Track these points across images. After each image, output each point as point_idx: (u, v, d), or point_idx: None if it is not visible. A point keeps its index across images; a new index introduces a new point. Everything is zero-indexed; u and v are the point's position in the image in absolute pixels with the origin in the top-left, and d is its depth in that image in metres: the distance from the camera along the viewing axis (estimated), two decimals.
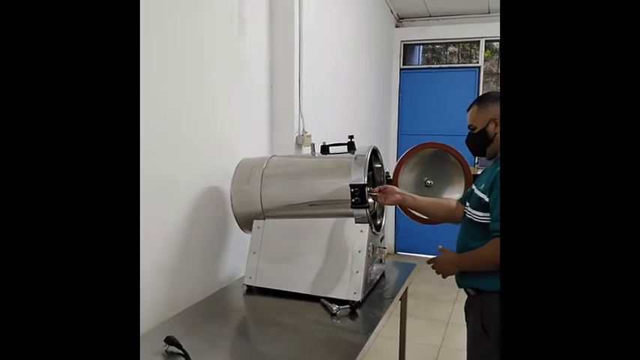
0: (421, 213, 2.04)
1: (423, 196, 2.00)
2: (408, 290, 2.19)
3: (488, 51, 5.15)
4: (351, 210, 1.73)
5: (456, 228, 1.84)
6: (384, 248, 2.05)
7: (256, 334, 1.61)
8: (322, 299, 1.69)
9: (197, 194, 1.88)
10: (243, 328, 1.68)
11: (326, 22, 3.01)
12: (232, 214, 1.94)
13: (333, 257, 1.76)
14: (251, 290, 1.85)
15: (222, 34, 2.04)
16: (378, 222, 1.95)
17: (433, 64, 5.39)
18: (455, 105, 4.93)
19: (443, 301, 3.87)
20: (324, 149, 1.94)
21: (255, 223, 1.89)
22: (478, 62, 5.12)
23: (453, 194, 2.24)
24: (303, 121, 2.53)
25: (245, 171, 1.92)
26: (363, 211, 1.73)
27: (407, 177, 2.35)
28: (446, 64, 5.34)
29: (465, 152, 2.02)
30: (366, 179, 1.70)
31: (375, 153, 1.93)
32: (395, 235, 5.41)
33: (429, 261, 1.83)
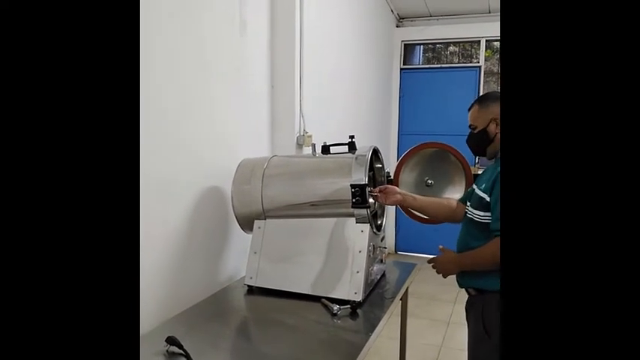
0: (422, 213, 2.04)
1: (423, 196, 2.00)
2: (409, 290, 2.19)
3: (488, 51, 5.15)
4: (351, 210, 1.73)
5: (457, 228, 1.84)
6: (385, 248, 2.05)
7: (257, 334, 1.61)
8: (323, 299, 1.69)
9: (198, 194, 1.88)
10: (244, 328, 1.68)
11: (326, 22, 3.01)
12: (233, 214, 1.94)
13: (334, 257, 1.76)
14: (252, 290, 1.85)
15: (224, 34, 2.04)
16: (379, 222, 1.95)
17: (434, 63, 5.39)
18: (455, 105, 4.94)
19: (443, 301, 3.87)
20: (325, 149, 1.94)
21: (256, 223, 1.90)
22: (479, 62, 5.12)
23: (454, 194, 2.24)
24: (303, 121, 2.53)
25: (246, 171, 1.92)
26: (363, 211, 1.73)
27: (407, 177, 2.34)
28: (446, 63, 5.34)
29: (465, 152, 2.02)
30: (366, 179, 1.71)
31: (375, 153, 1.93)
32: (395, 235, 5.41)
33: (430, 261, 1.83)
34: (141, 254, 1.22)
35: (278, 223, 1.87)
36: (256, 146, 2.34)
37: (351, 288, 1.69)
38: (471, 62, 5.21)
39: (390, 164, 3.08)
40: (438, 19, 5.13)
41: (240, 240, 2.09)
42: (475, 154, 1.88)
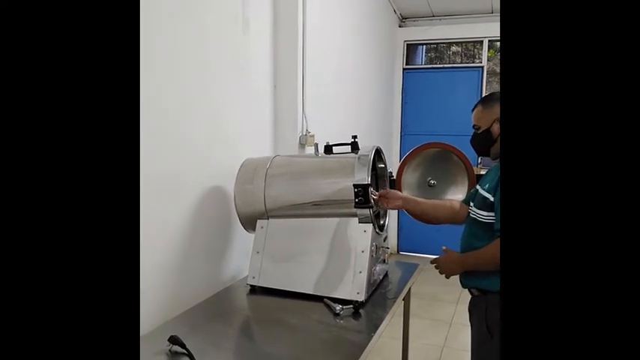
0: (424, 217, 2.03)
1: (426, 196, 2.00)
2: (411, 290, 2.18)
3: (491, 50, 5.14)
4: (354, 210, 1.73)
5: (460, 228, 1.84)
6: (388, 248, 2.05)
7: (259, 333, 1.61)
8: (325, 299, 1.69)
9: (201, 194, 1.88)
10: (247, 327, 1.68)
11: (329, 22, 3.01)
12: (236, 214, 1.94)
13: (337, 257, 1.76)
14: (254, 290, 1.85)
15: (226, 34, 2.04)
16: (382, 222, 1.94)
17: (436, 63, 5.39)
18: (458, 105, 4.94)
19: (446, 302, 3.87)
20: (328, 149, 1.94)
21: (259, 222, 1.89)
22: (481, 62, 5.12)
23: (457, 194, 2.24)
24: (306, 121, 2.53)
25: (249, 171, 1.92)
26: (366, 211, 1.73)
27: (410, 177, 2.34)
28: (449, 63, 5.33)
29: (468, 152, 2.02)
30: (369, 179, 1.70)
31: (378, 153, 1.93)
32: (398, 235, 5.41)
33: (433, 261, 1.82)
34: (143, 254, 1.22)
35: (280, 223, 1.87)
36: (259, 146, 2.34)
37: (354, 288, 1.69)
38: (473, 62, 5.20)
39: (393, 164, 3.08)
40: (440, 19, 5.13)
41: (243, 240, 2.09)
42: (479, 155, 1.87)
